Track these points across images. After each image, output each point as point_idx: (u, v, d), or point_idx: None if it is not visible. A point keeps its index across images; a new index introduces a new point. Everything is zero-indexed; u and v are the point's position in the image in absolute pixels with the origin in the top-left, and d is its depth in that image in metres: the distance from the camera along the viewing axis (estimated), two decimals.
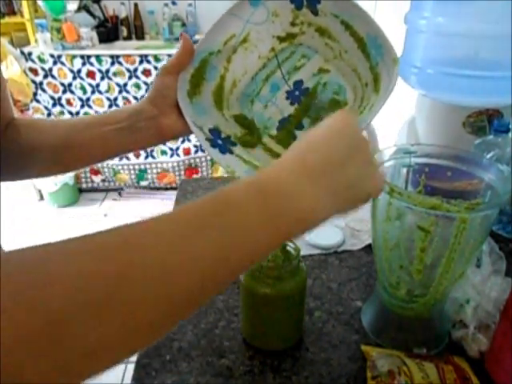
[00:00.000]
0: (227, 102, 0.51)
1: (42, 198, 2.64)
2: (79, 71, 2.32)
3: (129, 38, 2.67)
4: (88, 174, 2.63)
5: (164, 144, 2.56)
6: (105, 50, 2.32)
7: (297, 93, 0.51)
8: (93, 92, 2.38)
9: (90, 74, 2.33)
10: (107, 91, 2.38)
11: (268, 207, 0.30)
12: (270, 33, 0.47)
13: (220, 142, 0.50)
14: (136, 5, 2.63)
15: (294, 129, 0.52)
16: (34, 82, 2.33)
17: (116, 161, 2.50)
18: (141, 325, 0.23)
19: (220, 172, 2.51)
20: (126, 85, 2.36)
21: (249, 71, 0.50)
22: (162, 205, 2.58)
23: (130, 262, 0.23)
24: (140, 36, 2.68)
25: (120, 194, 2.73)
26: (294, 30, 0.47)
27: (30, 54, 2.26)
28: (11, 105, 0.54)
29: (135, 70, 2.32)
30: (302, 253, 0.69)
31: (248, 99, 0.52)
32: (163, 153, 2.53)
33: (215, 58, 0.47)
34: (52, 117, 2.43)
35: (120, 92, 2.38)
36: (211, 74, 0.48)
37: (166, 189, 2.70)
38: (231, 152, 0.51)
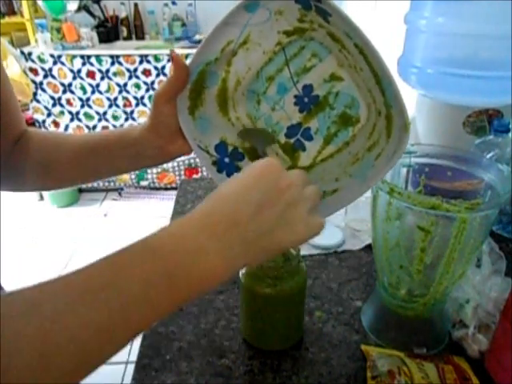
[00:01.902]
0: (232, 101, 0.48)
1: (41, 198, 2.64)
2: (79, 71, 2.32)
3: (129, 38, 2.67)
4: None
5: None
6: (105, 50, 2.32)
7: (306, 99, 0.48)
8: (93, 92, 2.38)
9: (90, 74, 2.33)
10: (107, 91, 2.38)
11: (163, 268, 0.29)
12: (275, 29, 0.43)
13: (227, 160, 0.49)
14: (136, 5, 2.63)
15: (302, 137, 0.50)
16: (34, 81, 2.33)
17: None
18: None
19: None
20: (125, 85, 2.36)
21: (253, 67, 0.46)
22: (161, 205, 2.58)
23: (17, 332, 0.24)
24: (140, 36, 2.68)
25: (120, 194, 2.73)
26: (303, 25, 0.42)
27: (30, 54, 2.26)
28: (22, 117, 0.54)
29: (135, 70, 2.32)
30: (302, 253, 0.69)
31: (254, 97, 0.49)
32: None
33: (214, 65, 0.44)
34: (52, 117, 2.44)
35: (120, 92, 2.38)
36: (212, 80, 0.45)
37: (166, 189, 2.70)
38: (238, 170, 0.49)
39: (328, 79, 0.46)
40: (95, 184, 2.65)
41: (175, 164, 2.56)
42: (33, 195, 2.64)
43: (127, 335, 0.28)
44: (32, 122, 2.50)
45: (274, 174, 0.35)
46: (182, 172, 2.59)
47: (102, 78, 2.34)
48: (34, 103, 2.39)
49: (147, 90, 2.38)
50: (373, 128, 0.45)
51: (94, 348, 0.26)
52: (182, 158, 2.54)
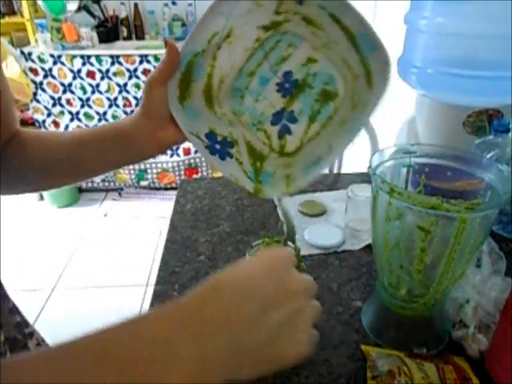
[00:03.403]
0: (217, 99, 0.50)
1: (41, 198, 2.64)
2: (79, 71, 2.32)
3: (129, 38, 2.67)
4: None
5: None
6: (105, 50, 2.32)
7: (287, 85, 0.50)
8: (93, 92, 2.38)
9: (90, 74, 2.33)
10: (107, 91, 2.38)
11: (124, 372, 0.25)
12: (254, 24, 0.45)
13: (218, 146, 0.50)
14: (136, 5, 2.63)
15: (287, 121, 0.52)
16: (33, 81, 2.33)
17: None
18: None
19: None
20: (126, 85, 2.36)
21: (235, 65, 0.48)
22: (161, 205, 2.58)
23: None
24: (140, 36, 2.68)
25: (120, 194, 2.73)
26: (278, 18, 0.45)
27: (29, 54, 2.26)
28: (16, 117, 0.53)
29: (135, 69, 2.33)
30: (302, 253, 0.69)
31: (238, 94, 0.51)
32: None
33: (201, 57, 0.46)
34: (52, 117, 2.44)
35: (120, 92, 2.38)
36: (198, 73, 0.47)
37: (166, 189, 2.70)
38: (231, 156, 0.50)
39: (305, 63, 0.49)
40: (95, 184, 2.65)
41: (175, 164, 2.56)
42: (33, 195, 2.64)
43: None
44: (32, 122, 2.50)
45: (285, 270, 0.31)
46: (182, 172, 2.59)
47: (102, 78, 2.34)
48: (34, 103, 2.39)
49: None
50: (352, 93, 0.48)
51: None
52: (182, 157, 2.54)
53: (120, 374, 0.25)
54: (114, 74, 2.33)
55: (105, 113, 2.44)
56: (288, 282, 0.31)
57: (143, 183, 2.65)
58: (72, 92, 2.37)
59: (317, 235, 0.75)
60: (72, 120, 2.46)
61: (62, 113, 2.43)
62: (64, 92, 2.37)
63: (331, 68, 0.48)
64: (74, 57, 2.28)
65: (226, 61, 0.47)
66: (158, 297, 0.63)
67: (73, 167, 0.52)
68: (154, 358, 0.25)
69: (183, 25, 2.61)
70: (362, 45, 0.43)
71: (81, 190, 2.71)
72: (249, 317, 0.28)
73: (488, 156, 0.73)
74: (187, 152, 2.54)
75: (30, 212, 2.56)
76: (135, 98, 2.40)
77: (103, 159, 0.51)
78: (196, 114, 0.49)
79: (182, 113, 0.47)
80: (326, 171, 2.33)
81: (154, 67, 2.31)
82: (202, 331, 0.27)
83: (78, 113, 2.44)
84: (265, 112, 0.52)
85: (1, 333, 0.51)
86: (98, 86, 2.36)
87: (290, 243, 0.54)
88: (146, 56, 2.29)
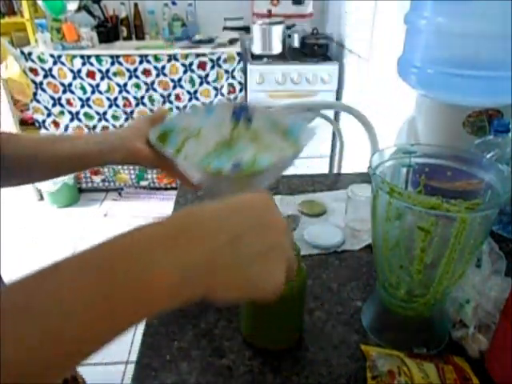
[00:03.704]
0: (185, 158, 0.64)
1: (41, 198, 2.64)
2: (79, 71, 2.32)
3: (129, 38, 2.66)
4: (88, 174, 2.63)
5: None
6: (105, 50, 2.32)
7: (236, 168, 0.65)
8: (93, 92, 2.38)
9: (90, 74, 2.33)
10: (107, 91, 2.38)
11: (111, 273, 0.27)
12: (215, 135, 0.63)
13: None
14: (136, 5, 2.63)
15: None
16: (34, 81, 2.33)
17: None
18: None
19: None
20: (125, 85, 2.36)
21: (198, 155, 0.62)
22: (161, 205, 2.58)
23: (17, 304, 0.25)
24: (140, 36, 2.68)
25: (120, 194, 2.73)
26: (233, 134, 0.63)
27: (29, 53, 2.26)
28: None
29: (135, 69, 2.32)
30: (302, 253, 0.69)
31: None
32: None
33: (175, 134, 0.61)
34: (52, 117, 2.44)
35: (120, 92, 2.38)
36: (171, 143, 0.60)
37: (166, 189, 2.70)
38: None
39: (252, 159, 0.63)
40: (95, 184, 2.65)
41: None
42: (33, 195, 2.64)
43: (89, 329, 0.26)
44: (32, 122, 2.50)
45: (266, 208, 0.33)
46: None
47: (102, 78, 2.34)
48: (34, 103, 2.39)
49: (147, 90, 2.38)
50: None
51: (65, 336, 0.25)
52: None
53: (100, 279, 0.26)
54: (114, 74, 2.33)
55: (105, 113, 2.44)
56: (270, 218, 0.33)
57: (143, 183, 2.65)
58: (72, 92, 2.37)
59: (317, 235, 0.75)
60: (72, 120, 2.46)
61: (62, 113, 2.43)
62: (64, 92, 2.37)
63: (270, 156, 0.60)
64: (73, 57, 2.28)
65: (191, 148, 0.61)
66: None
67: (53, 175, 0.58)
68: (136, 262, 0.27)
69: (183, 25, 2.61)
70: (292, 135, 0.61)
71: (81, 190, 2.71)
72: (227, 238, 0.30)
73: (488, 156, 0.73)
74: None
75: (29, 212, 2.56)
76: (135, 97, 2.40)
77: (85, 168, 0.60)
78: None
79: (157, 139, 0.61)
80: (326, 171, 2.33)
81: (154, 67, 2.31)
82: (182, 243, 0.28)
83: (77, 113, 2.44)
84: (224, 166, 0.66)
85: None
86: (98, 86, 2.36)
87: None
88: (146, 56, 2.29)
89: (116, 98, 2.40)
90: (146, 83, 2.36)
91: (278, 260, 0.32)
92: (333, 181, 0.99)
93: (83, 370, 0.62)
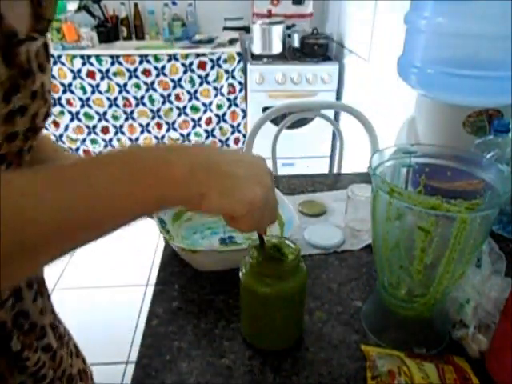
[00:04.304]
0: (179, 226, 0.76)
1: None
2: (79, 71, 2.32)
3: (129, 38, 2.66)
4: None
5: None
6: (105, 50, 2.32)
7: (227, 240, 0.75)
8: (93, 92, 2.38)
9: (90, 74, 2.33)
10: (107, 91, 2.38)
11: (133, 167, 0.33)
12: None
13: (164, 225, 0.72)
14: (136, 5, 2.63)
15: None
16: None
17: None
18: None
19: None
20: (126, 85, 2.36)
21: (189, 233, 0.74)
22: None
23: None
24: (140, 36, 2.68)
25: None
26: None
27: None
28: None
29: (135, 69, 2.32)
30: (302, 253, 0.69)
31: (192, 230, 0.76)
32: None
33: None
34: (52, 117, 2.43)
35: (120, 92, 2.38)
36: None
37: None
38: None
39: (246, 236, 0.74)
40: None
41: None
42: None
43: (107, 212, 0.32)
44: None
45: (261, 167, 0.39)
46: None
47: (102, 78, 2.34)
48: None
49: (147, 90, 2.38)
50: None
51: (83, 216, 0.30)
52: None
53: (124, 168, 0.32)
54: (114, 74, 2.33)
55: (105, 113, 2.44)
56: (261, 173, 0.39)
57: None
58: (72, 92, 2.37)
59: (317, 235, 0.75)
60: (72, 120, 2.46)
61: (62, 113, 2.43)
62: (64, 92, 2.37)
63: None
64: (73, 57, 2.28)
65: (184, 228, 0.74)
66: (158, 297, 0.63)
67: None
68: (154, 158, 0.34)
69: (183, 25, 2.61)
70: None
71: None
72: (228, 159, 0.37)
73: (488, 156, 0.73)
74: None
75: None
76: (135, 97, 2.40)
77: None
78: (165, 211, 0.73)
79: None
80: (326, 171, 2.33)
81: (154, 67, 2.31)
82: (192, 152, 0.36)
83: (78, 113, 2.44)
84: (202, 244, 0.74)
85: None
86: (97, 85, 2.36)
87: (289, 242, 0.54)
88: (146, 56, 2.29)
89: (116, 98, 2.40)
90: (145, 83, 2.36)
91: (260, 185, 0.37)
92: (333, 181, 0.99)
93: None
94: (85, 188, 0.30)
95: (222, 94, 2.41)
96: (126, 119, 2.47)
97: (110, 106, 2.42)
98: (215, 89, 2.40)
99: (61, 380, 0.55)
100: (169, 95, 2.40)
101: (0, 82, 0.36)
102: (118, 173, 0.32)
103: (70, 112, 2.43)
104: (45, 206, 0.28)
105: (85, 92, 2.37)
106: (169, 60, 2.31)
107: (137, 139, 2.52)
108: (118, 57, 2.29)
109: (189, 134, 2.54)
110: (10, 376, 0.47)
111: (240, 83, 2.38)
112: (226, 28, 2.59)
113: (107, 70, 2.32)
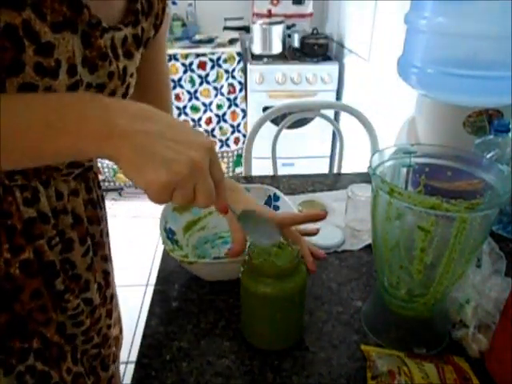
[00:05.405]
0: (190, 235, 0.74)
1: None
2: None
3: None
4: None
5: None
6: None
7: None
8: None
9: None
10: None
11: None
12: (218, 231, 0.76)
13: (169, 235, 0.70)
14: None
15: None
16: None
17: None
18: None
19: None
20: None
21: (200, 241, 0.74)
22: (161, 205, 2.58)
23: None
24: None
25: (120, 193, 2.73)
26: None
27: None
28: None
29: None
30: None
31: (204, 240, 0.75)
32: None
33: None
34: None
35: None
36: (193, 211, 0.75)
37: None
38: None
39: None
40: None
41: None
42: None
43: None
44: None
45: (192, 144, 0.38)
46: None
47: None
48: None
49: None
50: None
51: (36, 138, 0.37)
52: None
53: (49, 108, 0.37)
54: None
55: None
56: (194, 138, 0.39)
57: None
58: None
59: (317, 235, 0.75)
60: None
61: None
62: None
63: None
64: None
65: (195, 238, 0.74)
66: (158, 297, 0.63)
67: None
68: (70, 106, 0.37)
69: (183, 25, 2.61)
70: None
71: None
72: (151, 126, 0.37)
73: (488, 156, 0.73)
74: None
75: None
76: None
77: None
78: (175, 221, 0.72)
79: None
80: (326, 171, 2.32)
81: None
82: (109, 104, 0.37)
83: None
84: (211, 253, 0.73)
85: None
86: None
87: (289, 242, 0.54)
88: None
89: None
90: None
91: (174, 164, 0.36)
92: (333, 181, 0.99)
93: None
94: (19, 119, 0.36)
95: (222, 94, 2.41)
96: None
97: None
98: (215, 89, 2.40)
99: (98, 335, 0.62)
100: None
101: (79, 61, 0.44)
102: (47, 116, 0.37)
103: None
104: None
105: None
106: (169, 60, 2.31)
107: None
108: None
109: None
110: (54, 311, 0.53)
111: (240, 83, 2.39)
112: (226, 28, 2.59)
113: None
